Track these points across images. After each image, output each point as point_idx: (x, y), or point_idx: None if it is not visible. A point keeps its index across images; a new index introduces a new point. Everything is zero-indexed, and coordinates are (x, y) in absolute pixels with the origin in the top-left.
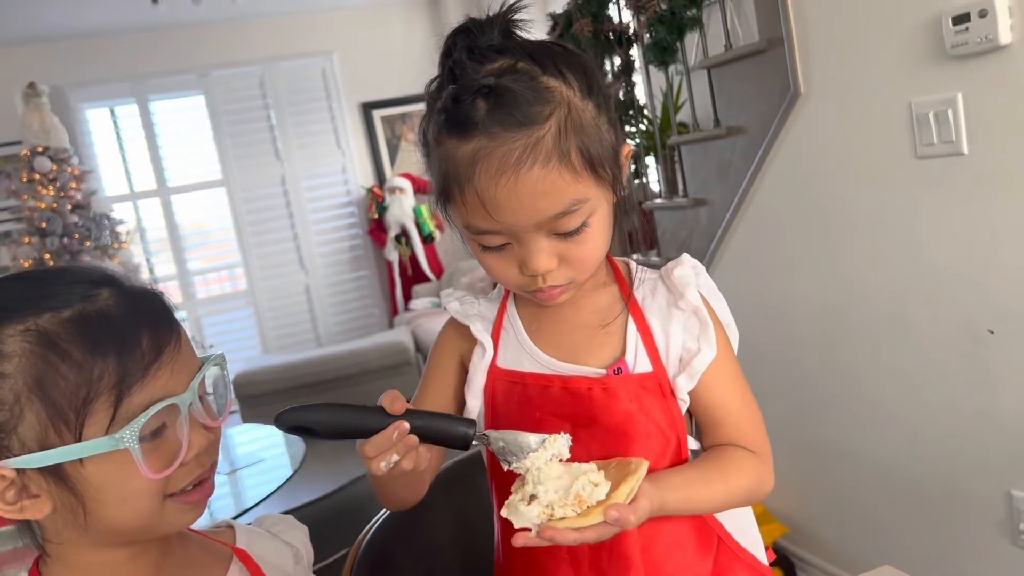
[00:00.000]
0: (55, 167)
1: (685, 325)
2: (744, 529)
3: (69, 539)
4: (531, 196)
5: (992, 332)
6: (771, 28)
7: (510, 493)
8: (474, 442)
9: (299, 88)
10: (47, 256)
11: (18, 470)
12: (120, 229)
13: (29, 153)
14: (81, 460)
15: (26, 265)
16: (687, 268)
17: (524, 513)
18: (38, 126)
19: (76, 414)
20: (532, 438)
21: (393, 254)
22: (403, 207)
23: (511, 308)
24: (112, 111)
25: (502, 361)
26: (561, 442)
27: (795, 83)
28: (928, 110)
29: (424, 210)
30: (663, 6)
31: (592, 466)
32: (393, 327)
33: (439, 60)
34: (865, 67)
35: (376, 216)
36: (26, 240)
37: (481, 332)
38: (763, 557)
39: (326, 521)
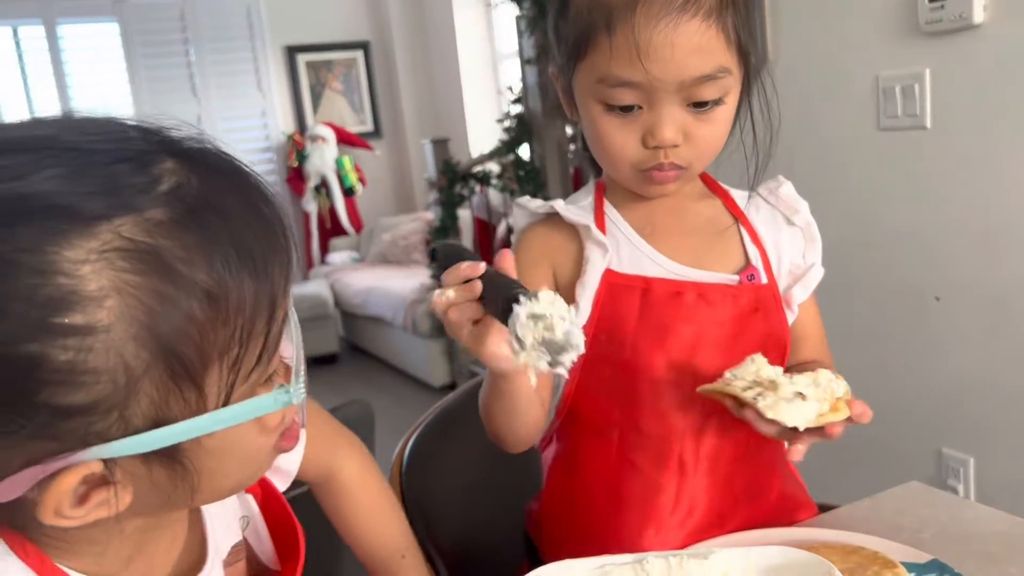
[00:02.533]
0: None
1: (792, 240)
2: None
3: (125, 515)
4: (684, 48)
5: (938, 299)
6: None
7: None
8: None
9: (221, 24)
10: None
11: (105, 460)
12: None
13: None
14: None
15: None
16: (791, 187)
17: (798, 411)
18: None
19: (231, 375)
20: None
21: (311, 205)
22: (324, 157)
23: (612, 212)
24: (15, 31)
25: (616, 265)
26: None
27: (763, 48)
28: (895, 84)
29: (347, 161)
30: None
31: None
32: (308, 279)
33: None
34: (835, 38)
35: (295, 165)
36: None
37: (598, 232)
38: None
39: None
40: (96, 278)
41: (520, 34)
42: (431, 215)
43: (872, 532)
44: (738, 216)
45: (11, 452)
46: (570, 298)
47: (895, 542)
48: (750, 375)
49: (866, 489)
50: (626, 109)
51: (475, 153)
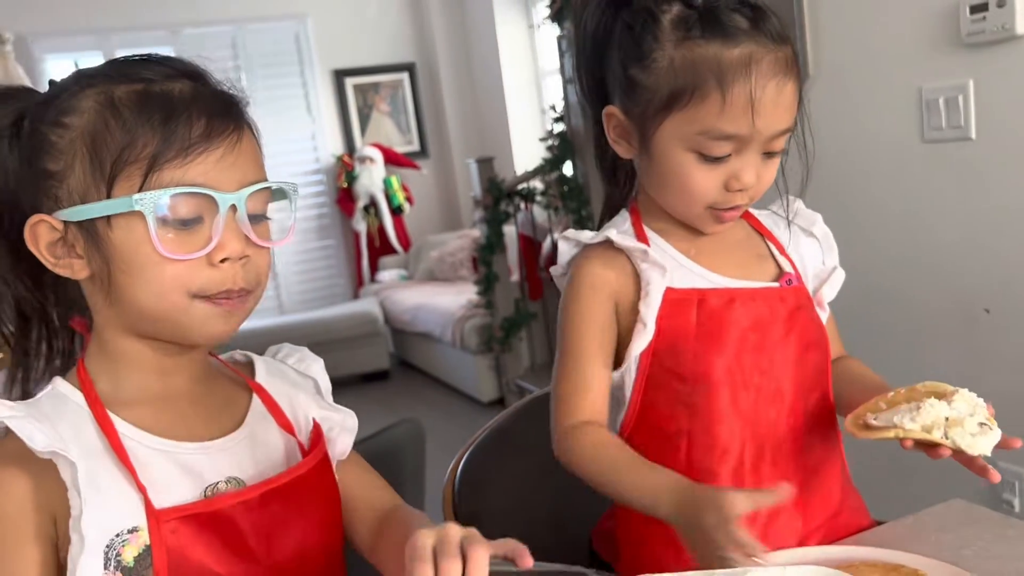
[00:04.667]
0: None
1: (811, 250)
2: None
3: (104, 312)
4: (783, 105)
5: (987, 311)
6: (784, 10)
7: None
8: None
9: (271, 51)
10: None
11: (65, 224)
12: None
13: None
14: (109, 222)
15: None
16: (802, 203)
17: (987, 440)
18: (1, 75)
19: (112, 170)
20: None
21: (361, 224)
22: (373, 177)
23: (656, 238)
24: (76, 64)
25: (671, 284)
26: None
27: (804, 65)
28: (939, 95)
29: (394, 181)
30: None
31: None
32: (359, 298)
33: None
34: (877, 51)
35: (345, 186)
36: None
37: (655, 254)
38: None
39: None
40: (86, 103)
41: (562, 54)
42: (477, 233)
43: (913, 550)
44: (763, 232)
45: (31, 198)
46: (631, 320)
47: (936, 559)
48: (930, 418)
49: (921, 503)
50: (718, 159)
51: (519, 171)
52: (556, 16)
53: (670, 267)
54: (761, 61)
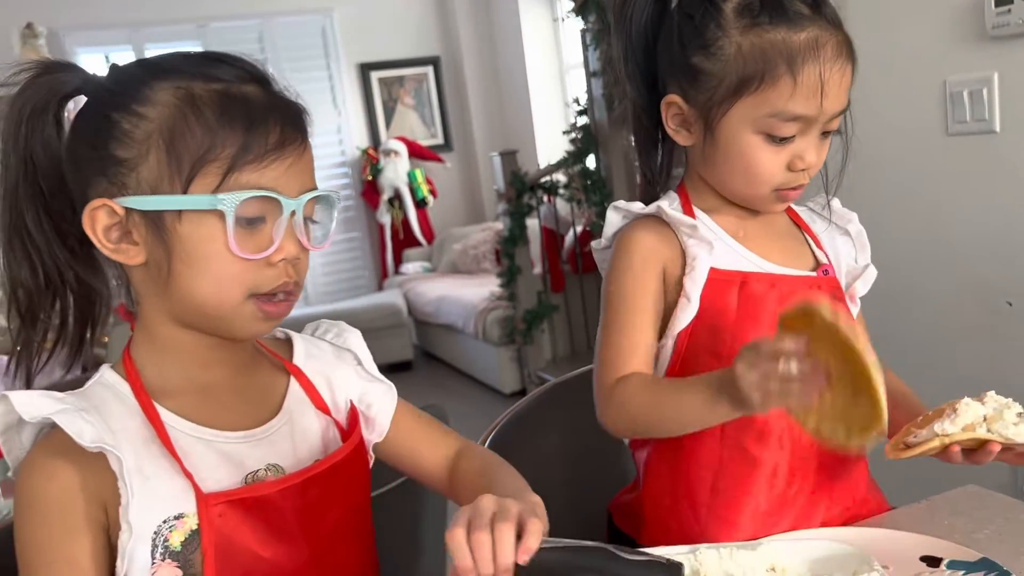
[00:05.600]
0: None
1: (845, 247)
2: None
3: (154, 301)
4: (844, 85)
5: (1010, 304)
6: None
7: None
8: None
9: (298, 45)
10: None
11: (127, 210)
12: None
13: None
14: (180, 215)
15: None
16: (838, 202)
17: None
18: None
19: (191, 168)
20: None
21: (385, 217)
22: (397, 170)
23: (704, 217)
24: (107, 58)
25: (715, 263)
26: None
27: None
28: (963, 88)
29: (418, 174)
30: None
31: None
32: (383, 290)
33: None
34: (901, 44)
35: (370, 178)
36: None
37: (704, 230)
38: None
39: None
40: (162, 95)
41: (586, 47)
42: (500, 225)
43: (926, 532)
44: (801, 225)
45: (86, 180)
46: (675, 295)
47: (948, 541)
48: (970, 417)
49: (935, 491)
50: (784, 140)
51: (542, 164)
52: (580, 10)
53: (717, 246)
54: (826, 44)
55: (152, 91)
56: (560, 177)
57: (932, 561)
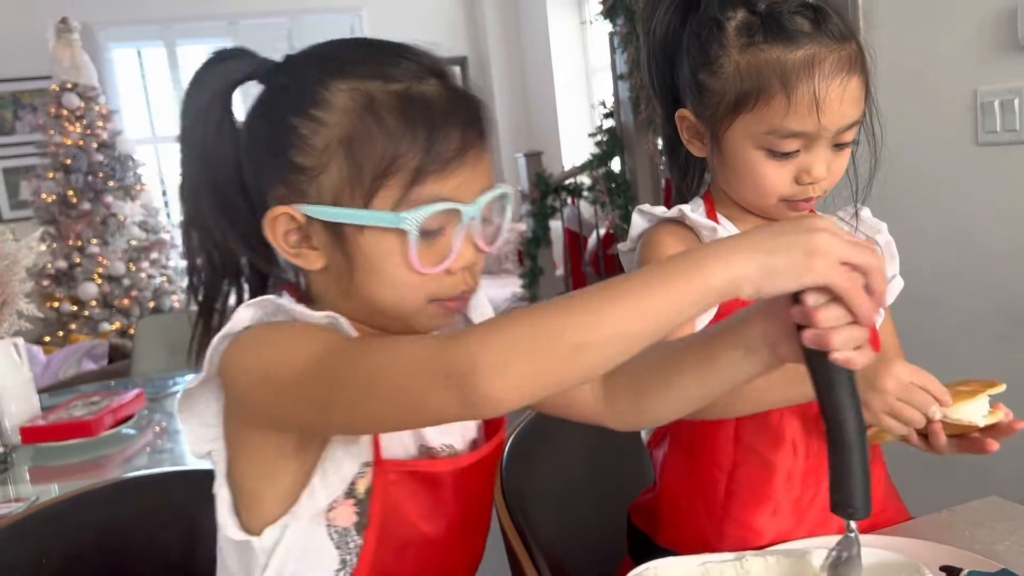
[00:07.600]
0: (83, 104)
1: None
2: None
3: (332, 302)
4: (848, 100)
5: None
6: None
7: None
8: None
9: None
10: (70, 193)
11: (308, 217)
12: (141, 172)
13: (58, 88)
14: (362, 228)
15: (49, 200)
16: (869, 211)
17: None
18: (68, 62)
19: (372, 181)
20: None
21: None
22: None
23: (728, 224)
24: (139, 53)
25: None
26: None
27: None
28: (994, 98)
29: None
30: None
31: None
32: None
33: None
34: (932, 54)
35: None
36: (50, 175)
37: (724, 233)
38: None
39: None
40: (341, 99)
41: (613, 50)
42: (523, 226)
43: (947, 543)
44: None
45: (267, 183)
46: None
47: (969, 552)
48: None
49: (957, 502)
50: (787, 154)
51: (567, 166)
52: (608, 12)
53: None
54: (824, 61)
55: (329, 92)
56: (584, 179)
57: (952, 571)
